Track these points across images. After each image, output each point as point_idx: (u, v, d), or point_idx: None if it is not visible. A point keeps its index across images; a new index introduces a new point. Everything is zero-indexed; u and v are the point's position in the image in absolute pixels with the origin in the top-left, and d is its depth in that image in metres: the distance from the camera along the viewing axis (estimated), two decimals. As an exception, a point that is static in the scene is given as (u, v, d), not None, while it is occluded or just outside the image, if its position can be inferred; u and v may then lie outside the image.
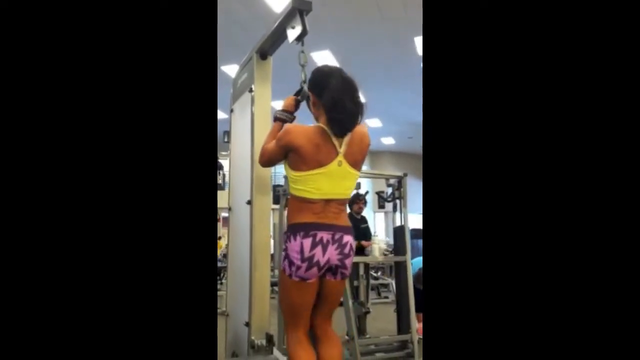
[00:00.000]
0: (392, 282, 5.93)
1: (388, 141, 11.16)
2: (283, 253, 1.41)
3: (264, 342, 1.80)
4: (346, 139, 1.41)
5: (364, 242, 4.47)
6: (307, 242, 1.35)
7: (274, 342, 1.79)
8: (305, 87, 1.58)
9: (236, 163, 2.29)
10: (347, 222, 1.45)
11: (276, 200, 2.97)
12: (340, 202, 1.45)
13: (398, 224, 4.28)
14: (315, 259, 1.35)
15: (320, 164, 1.37)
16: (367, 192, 4.52)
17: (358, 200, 4.47)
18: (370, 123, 9.61)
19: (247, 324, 1.85)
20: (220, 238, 8.80)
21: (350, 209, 4.39)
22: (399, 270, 4.13)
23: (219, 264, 7.14)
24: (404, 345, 3.77)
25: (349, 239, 1.42)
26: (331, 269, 1.43)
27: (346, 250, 1.41)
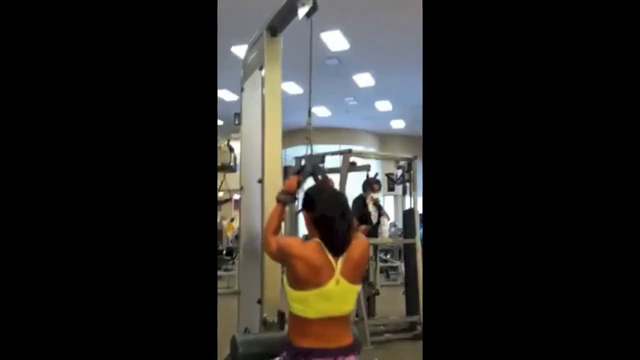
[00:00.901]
0: (401, 265, 5.96)
1: (398, 124, 11.06)
2: None
3: (275, 318, 1.83)
4: (343, 255, 1.39)
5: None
6: None
7: (285, 318, 1.81)
8: (308, 165, 1.59)
9: (247, 141, 2.29)
10: (349, 340, 1.42)
11: (286, 181, 2.97)
12: (342, 318, 1.42)
13: (408, 207, 4.27)
14: None
15: (317, 285, 1.35)
16: (376, 174, 4.49)
17: (371, 189, 4.20)
18: (380, 106, 9.52)
19: (259, 302, 1.88)
20: (232, 220, 8.88)
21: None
22: (408, 252, 4.14)
23: (231, 245, 7.22)
24: (412, 326, 3.80)
25: None
26: None
27: None
